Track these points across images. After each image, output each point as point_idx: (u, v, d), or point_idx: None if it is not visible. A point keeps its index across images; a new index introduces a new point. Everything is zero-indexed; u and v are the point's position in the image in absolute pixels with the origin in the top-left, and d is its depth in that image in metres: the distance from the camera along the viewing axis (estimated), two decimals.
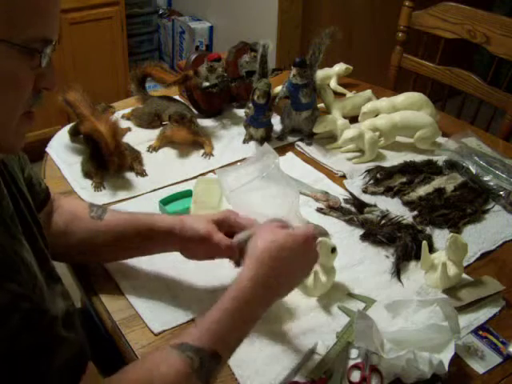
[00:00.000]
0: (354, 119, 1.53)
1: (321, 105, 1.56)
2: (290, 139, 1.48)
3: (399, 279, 1.04)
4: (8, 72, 0.61)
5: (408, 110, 1.49)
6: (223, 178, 1.10)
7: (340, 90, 1.70)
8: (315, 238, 0.86)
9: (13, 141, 0.66)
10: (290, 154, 1.42)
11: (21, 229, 0.73)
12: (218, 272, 0.99)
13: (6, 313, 0.58)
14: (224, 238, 0.91)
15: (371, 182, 1.31)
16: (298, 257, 0.80)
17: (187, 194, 1.23)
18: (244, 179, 1.10)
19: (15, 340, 0.58)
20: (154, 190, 1.26)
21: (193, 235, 0.92)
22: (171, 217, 0.97)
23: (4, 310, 0.58)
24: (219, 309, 0.73)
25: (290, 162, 1.38)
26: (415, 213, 1.21)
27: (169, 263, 1.04)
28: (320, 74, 1.58)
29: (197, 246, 0.93)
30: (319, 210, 1.22)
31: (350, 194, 1.26)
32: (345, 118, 1.51)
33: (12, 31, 0.59)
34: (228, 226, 0.94)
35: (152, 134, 1.45)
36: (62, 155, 1.37)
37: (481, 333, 0.93)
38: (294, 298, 0.99)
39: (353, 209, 1.22)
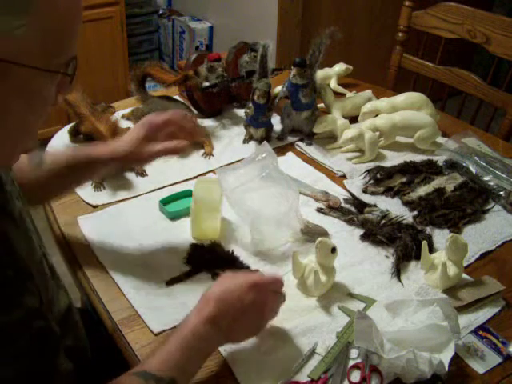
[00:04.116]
0: (354, 119, 1.53)
1: (321, 105, 1.56)
2: (290, 139, 1.48)
3: (399, 279, 1.04)
4: (43, 96, 0.63)
5: (408, 110, 1.49)
6: (223, 177, 1.11)
7: (340, 90, 1.70)
8: (270, 284, 0.87)
9: (12, 158, 0.67)
10: (290, 154, 1.42)
11: (30, 223, 0.74)
12: None
13: (17, 330, 0.59)
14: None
15: (371, 182, 1.31)
16: (245, 303, 0.82)
17: (187, 194, 1.23)
18: (243, 178, 1.10)
19: (18, 362, 0.59)
20: (154, 190, 1.26)
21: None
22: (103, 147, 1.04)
23: (16, 327, 0.59)
24: (175, 340, 0.77)
25: (289, 162, 1.38)
26: (415, 213, 1.21)
27: (168, 264, 1.04)
28: (320, 73, 1.58)
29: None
30: (319, 210, 1.22)
31: (350, 194, 1.26)
32: (345, 118, 1.51)
33: (48, 59, 0.60)
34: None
35: None
36: None
37: (481, 333, 0.93)
38: (294, 297, 0.99)
39: (353, 209, 1.22)
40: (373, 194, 1.28)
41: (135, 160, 1.06)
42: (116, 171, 1.27)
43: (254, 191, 1.09)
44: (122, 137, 1.05)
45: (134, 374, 0.73)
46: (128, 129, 1.47)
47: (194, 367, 0.79)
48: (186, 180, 1.30)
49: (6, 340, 0.59)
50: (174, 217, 1.17)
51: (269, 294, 0.86)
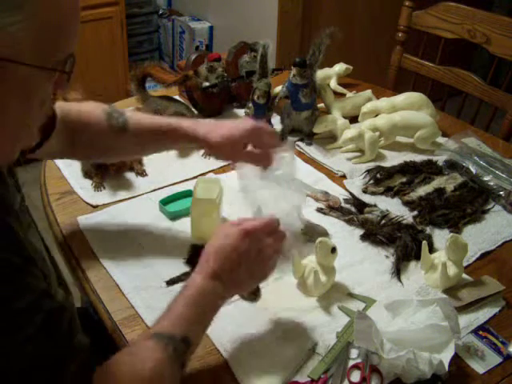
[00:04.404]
0: (354, 119, 1.53)
1: (321, 105, 1.56)
2: (290, 139, 1.48)
3: (399, 279, 1.04)
4: (40, 94, 0.64)
5: (408, 110, 1.49)
6: (239, 169, 1.09)
7: (340, 90, 1.70)
8: (264, 228, 0.87)
9: (11, 156, 0.68)
10: None
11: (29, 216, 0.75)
12: None
13: (30, 313, 0.60)
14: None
15: (371, 182, 1.31)
16: (240, 252, 0.83)
17: (187, 194, 1.23)
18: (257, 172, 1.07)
19: (36, 340, 0.60)
20: (154, 190, 1.26)
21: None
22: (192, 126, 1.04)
23: (28, 310, 0.60)
24: (183, 301, 0.79)
25: None
26: (415, 213, 1.21)
27: (168, 264, 1.04)
28: (320, 74, 1.58)
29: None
30: (319, 210, 1.22)
31: (350, 194, 1.26)
32: (345, 118, 1.51)
33: (45, 56, 0.61)
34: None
35: None
36: None
37: (481, 333, 0.93)
38: (294, 297, 0.99)
39: (353, 209, 1.22)
40: (373, 193, 1.28)
41: (220, 154, 1.07)
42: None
43: (263, 188, 1.07)
44: (218, 123, 1.06)
45: (147, 337, 0.75)
46: None
47: (205, 323, 0.81)
48: (186, 180, 1.30)
49: (22, 322, 0.60)
50: (174, 217, 1.17)
51: (264, 238, 0.86)
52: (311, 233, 1.12)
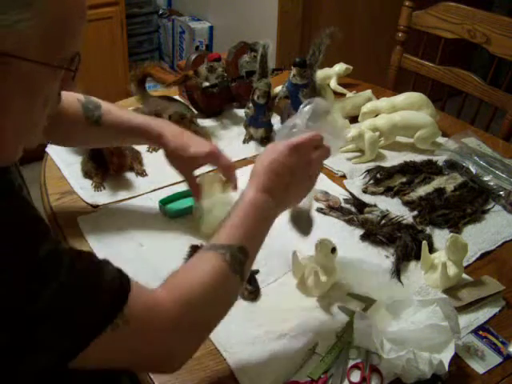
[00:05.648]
0: (354, 119, 1.53)
1: None
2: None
3: (399, 279, 1.04)
4: (46, 92, 0.65)
5: (408, 110, 1.49)
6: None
7: (340, 90, 1.70)
8: (310, 142, 0.87)
9: (15, 155, 0.68)
10: None
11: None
12: None
13: (58, 255, 0.64)
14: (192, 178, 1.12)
15: (371, 182, 1.31)
16: (292, 167, 0.84)
17: (187, 194, 1.23)
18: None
19: (73, 272, 0.64)
20: (154, 190, 1.26)
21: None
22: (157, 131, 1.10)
23: (56, 253, 0.63)
24: (237, 215, 0.80)
25: None
26: (415, 213, 1.21)
27: (168, 264, 1.04)
28: (320, 74, 1.58)
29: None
30: (319, 210, 1.21)
31: (350, 194, 1.26)
32: (345, 118, 1.51)
33: (51, 54, 0.61)
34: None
35: None
36: (62, 155, 1.37)
37: (481, 333, 0.93)
38: (294, 297, 0.99)
39: (353, 209, 1.22)
40: (373, 194, 1.28)
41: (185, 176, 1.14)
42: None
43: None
44: (184, 139, 1.12)
45: (203, 250, 0.78)
46: None
47: (259, 236, 0.82)
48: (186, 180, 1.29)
49: (56, 261, 0.63)
50: (174, 217, 1.17)
51: (311, 151, 0.87)
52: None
